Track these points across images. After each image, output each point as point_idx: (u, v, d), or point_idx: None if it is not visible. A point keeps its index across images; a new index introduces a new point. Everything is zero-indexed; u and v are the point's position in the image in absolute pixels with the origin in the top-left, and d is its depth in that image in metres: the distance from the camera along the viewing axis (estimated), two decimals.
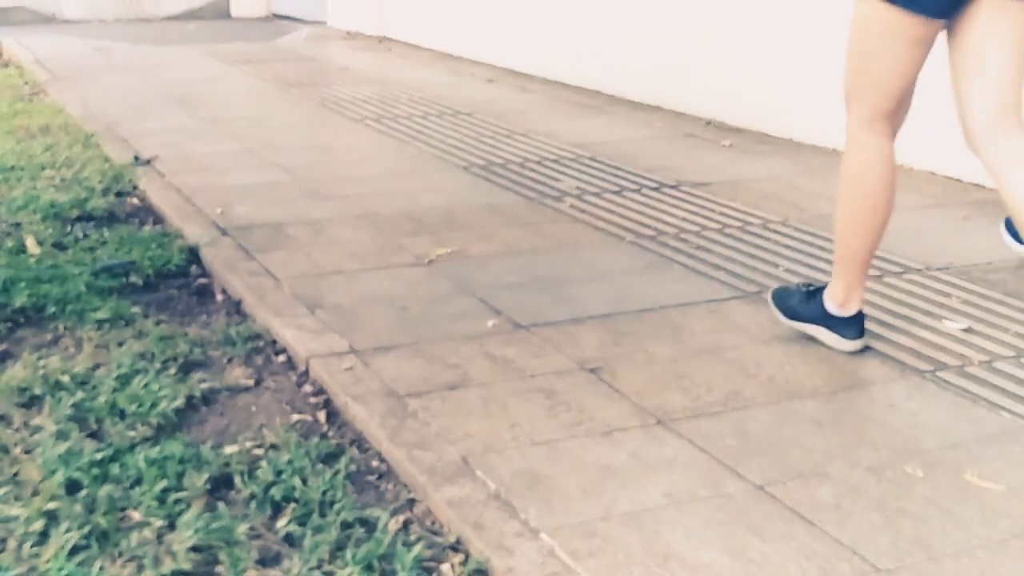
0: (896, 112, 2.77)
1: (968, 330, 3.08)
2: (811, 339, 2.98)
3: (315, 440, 2.48)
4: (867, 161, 2.76)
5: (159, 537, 2.11)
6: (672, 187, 4.58)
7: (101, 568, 2.02)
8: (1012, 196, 2.60)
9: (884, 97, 2.72)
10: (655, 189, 4.54)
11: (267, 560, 2.07)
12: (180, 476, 2.30)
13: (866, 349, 2.93)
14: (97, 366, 2.82)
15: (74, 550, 2.05)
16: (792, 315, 2.99)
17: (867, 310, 3.15)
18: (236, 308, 3.32)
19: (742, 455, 2.38)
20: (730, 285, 3.42)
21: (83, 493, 2.23)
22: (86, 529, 2.10)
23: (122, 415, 2.55)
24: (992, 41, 2.55)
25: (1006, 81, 2.57)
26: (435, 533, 2.16)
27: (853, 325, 2.89)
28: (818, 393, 2.69)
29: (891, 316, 3.17)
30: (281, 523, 2.17)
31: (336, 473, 2.32)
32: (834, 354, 2.91)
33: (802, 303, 2.96)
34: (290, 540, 2.13)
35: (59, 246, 3.74)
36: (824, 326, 2.92)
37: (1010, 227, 3.67)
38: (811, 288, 2.98)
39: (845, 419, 2.56)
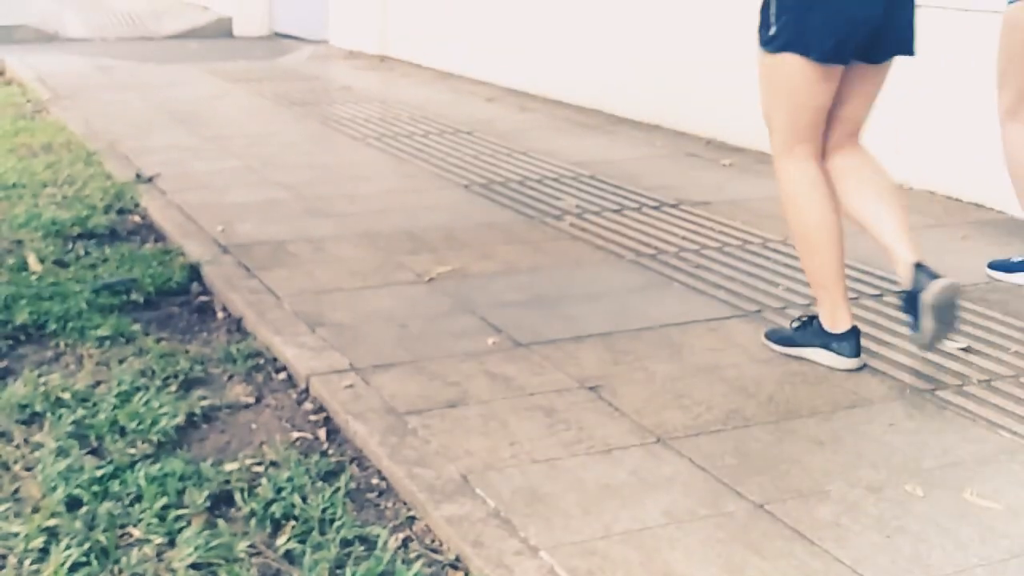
0: (819, 140, 2.98)
1: (967, 349, 3.08)
2: (810, 358, 2.98)
3: (315, 458, 2.48)
4: (810, 183, 2.95)
5: (159, 554, 2.11)
6: (672, 206, 4.59)
7: None
8: (855, 198, 2.96)
9: (813, 129, 2.98)
10: (655, 208, 4.56)
11: None
12: (180, 493, 2.30)
13: (864, 367, 2.93)
14: (98, 383, 2.82)
15: (74, 567, 2.05)
16: (788, 343, 3.04)
17: (867, 329, 3.17)
18: (237, 326, 3.33)
19: (742, 474, 2.38)
20: (730, 304, 3.42)
21: (83, 510, 2.23)
22: (86, 546, 2.10)
23: (123, 432, 2.56)
24: (860, 90, 2.99)
25: (854, 122, 3.03)
26: (435, 551, 2.16)
27: (847, 341, 2.93)
28: (818, 412, 2.69)
29: (891, 335, 3.17)
30: (281, 540, 2.17)
31: (336, 491, 2.32)
32: (834, 373, 2.91)
33: (796, 331, 3.04)
34: (290, 558, 2.13)
35: (61, 263, 3.75)
36: (820, 347, 2.96)
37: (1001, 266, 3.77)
38: (803, 319, 3.03)
39: (845, 438, 2.57)
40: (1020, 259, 3.71)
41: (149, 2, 14.52)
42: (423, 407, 2.67)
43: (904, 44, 2.99)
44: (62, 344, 3.11)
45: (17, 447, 2.50)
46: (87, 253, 3.87)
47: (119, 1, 14.82)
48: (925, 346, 2.84)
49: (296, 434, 2.63)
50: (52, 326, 3.18)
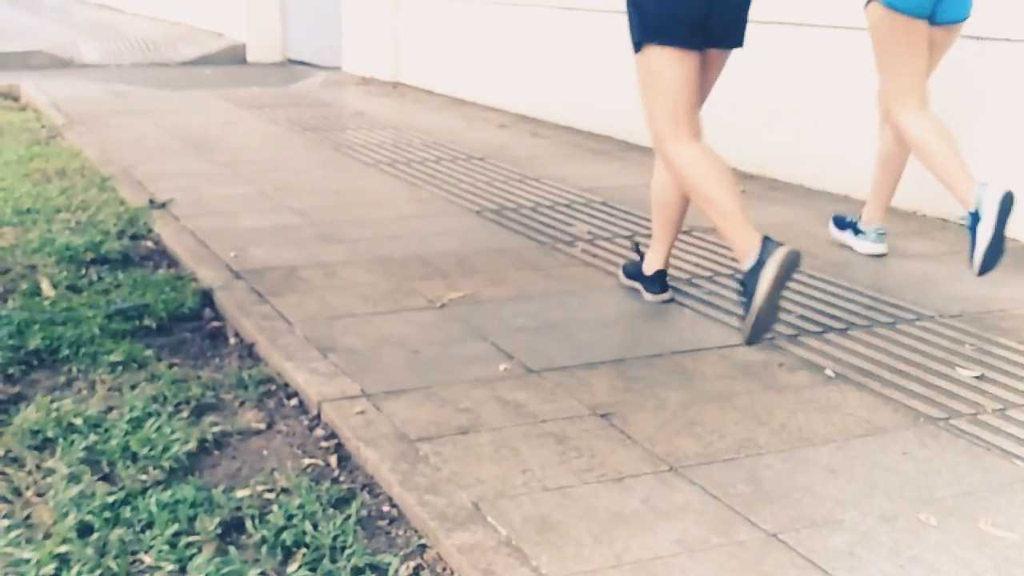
0: (695, 121, 3.45)
1: (981, 378, 3.07)
2: (823, 386, 2.98)
3: (326, 484, 2.48)
4: (706, 159, 3.37)
5: None
6: (684, 232, 4.59)
7: None
8: (660, 182, 3.62)
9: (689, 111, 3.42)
10: None
11: None
12: (192, 520, 2.30)
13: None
14: (110, 409, 2.83)
15: None
16: (627, 275, 3.79)
17: (880, 357, 3.17)
18: (249, 351, 3.33)
19: (754, 502, 2.37)
20: (742, 331, 3.41)
21: (95, 536, 2.23)
22: (97, 573, 2.10)
23: (134, 458, 2.56)
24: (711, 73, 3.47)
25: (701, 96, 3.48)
26: None
27: (660, 282, 3.66)
28: (831, 440, 2.68)
29: (904, 364, 3.16)
30: (292, 568, 2.16)
31: (347, 518, 2.32)
32: (847, 401, 2.90)
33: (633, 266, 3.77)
34: None
35: (74, 289, 3.76)
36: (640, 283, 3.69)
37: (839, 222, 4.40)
38: (746, 274, 3.20)
39: (858, 467, 2.55)
40: (853, 219, 4.33)
41: (164, 29, 14.65)
42: (435, 434, 2.67)
43: (736, 37, 3.46)
44: (74, 370, 3.11)
45: (29, 473, 2.51)
46: (100, 278, 3.88)
47: (134, 27, 14.95)
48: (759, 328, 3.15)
49: (307, 460, 2.63)
50: (65, 351, 3.19)
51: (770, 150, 5.68)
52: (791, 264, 3.10)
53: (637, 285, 3.75)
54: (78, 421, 2.72)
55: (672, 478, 2.47)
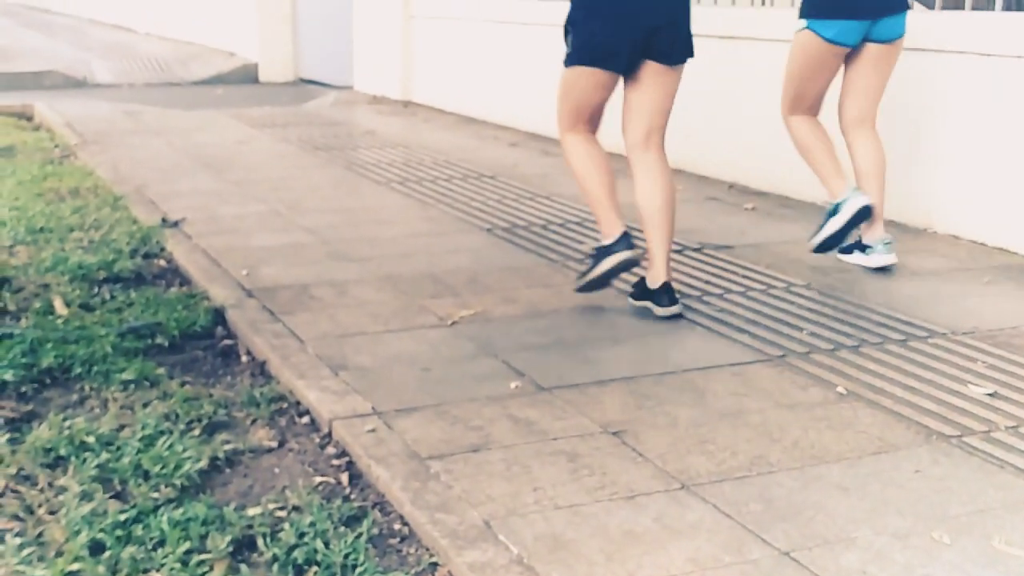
0: (595, 121, 3.86)
1: (994, 395, 3.05)
2: (835, 404, 2.97)
3: (338, 502, 2.48)
4: (589, 152, 3.83)
5: None
6: (695, 250, 4.59)
7: None
8: (638, 197, 3.82)
9: (590, 115, 3.84)
10: (678, 252, 4.55)
11: None
12: (203, 538, 2.30)
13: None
14: (122, 427, 2.83)
15: None
16: (635, 297, 3.87)
17: (894, 375, 3.17)
18: (260, 369, 3.34)
19: (767, 520, 2.36)
20: (753, 348, 3.41)
21: (107, 554, 2.23)
22: None
23: (146, 476, 2.56)
24: (649, 89, 3.76)
25: (648, 116, 3.78)
26: None
27: (621, 243, 3.75)
28: (843, 458, 2.67)
29: (916, 381, 3.15)
30: None
31: (358, 536, 2.32)
32: (859, 419, 2.89)
33: (595, 254, 3.86)
34: None
35: (86, 307, 3.78)
36: (607, 256, 3.77)
37: (843, 250, 4.44)
38: (599, 248, 3.79)
39: (870, 484, 2.54)
40: (853, 242, 4.42)
41: (176, 48, 14.73)
42: (445, 452, 2.67)
43: (686, 48, 3.76)
44: (87, 388, 3.12)
45: (41, 491, 2.51)
46: (113, 297, 3.90)
47: (146, 47, 15.04)
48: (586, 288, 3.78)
49: (319, 479, 2.63)
50: (77, 370, 3.20)
51: (781, 168, 5.67)
52: (629, 263, 3.72)
53: (647, 303, 3.76)
54: (90, 439, 2.73)
55: (684, 496, 2.47)
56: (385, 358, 3.31)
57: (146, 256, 4.45)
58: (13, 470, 2.60)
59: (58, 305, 3.76)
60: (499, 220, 5.13)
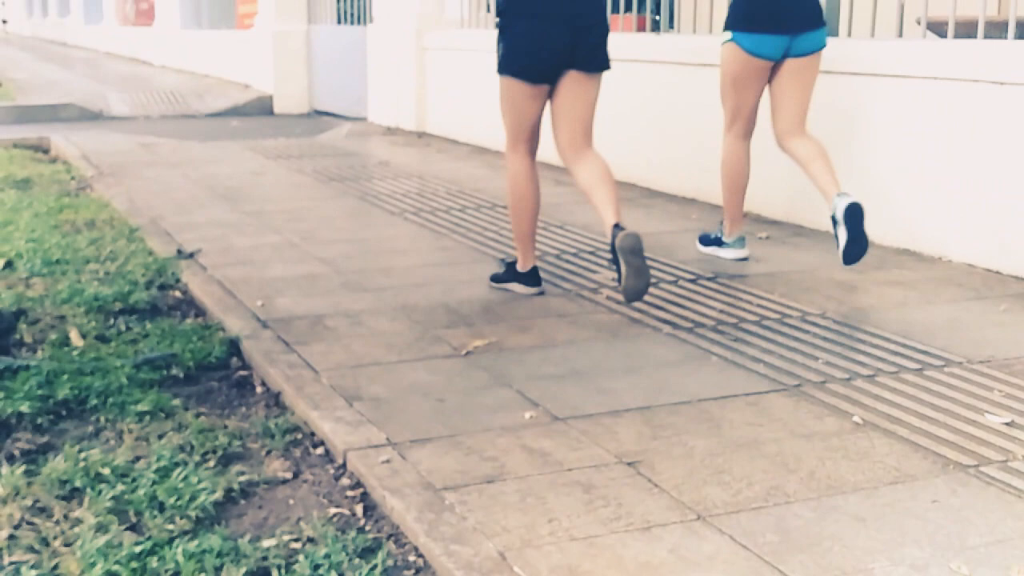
0: (534, 145, 4.28)
1: (1011, 424, 3.04)
2: (851, 433, 2.96)
3: (352, 534, 2.47)
4: (526, 175, 4.27)
5: None
6: (709, 279, 4.59)
7: None
8: (580, 185, 4.19)
9: (530, 129, 4.24)
10: (692, 281, 4.55)
11: None
12: (218, 570, 2.29)
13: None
14: (137, 458, 2.84)
15: None
16: (495, 280, 4.40)
17: (909, 404, 3.15)
18: (275, 400, 3.34)
19: (783, 551, 2.35)
20: (769, 378, 3.40)
21: None
22: None
23: (161, 508, 2.56)
24: (576, 99, 4.11)
25: (579, 123, 4.16)
26: None
27: (532, 277, 4.33)
28: (860, 488, 2.66)
29: (933, 410, 3.14)
30: None
31: (373, 568, 2.31)
32: (876, 449, 2.88)
33: (504, 272, 4.39)
34: None
35: (102, 339, 3.79)
36: (516, 281, 4.33)
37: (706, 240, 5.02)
38: (506, 261, 4.36)
39: (888, 515, 2.53)
40: (717, 235, 4.93)
41: (192, 81, 14.85)
42: (460, 483, 2.66)
43: (604, 58, 4.10)
44: (102, 419, 3.13)
45: (56, 523, 2.51)
46: (128, 328, 3.91)
47: (162, 80, 15.16)
48: (631, 290, 3.88)
49: (333, 510, 2.63)
50: (93, 401, 3.21)
51: (795, 197, 5.68)
52: (636, 241, 3.89)
53: (513, 286, 4.34)
54: (106, 471, 2.73)
55: (700, 527, 2.45)
56: (399, 388, 3.31)
57: (161, 287, 4.47)
58: (29, 502, 2.61)
59: (74, 337, 3.78)
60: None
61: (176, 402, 3.24)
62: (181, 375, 3.48)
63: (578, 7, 4.00)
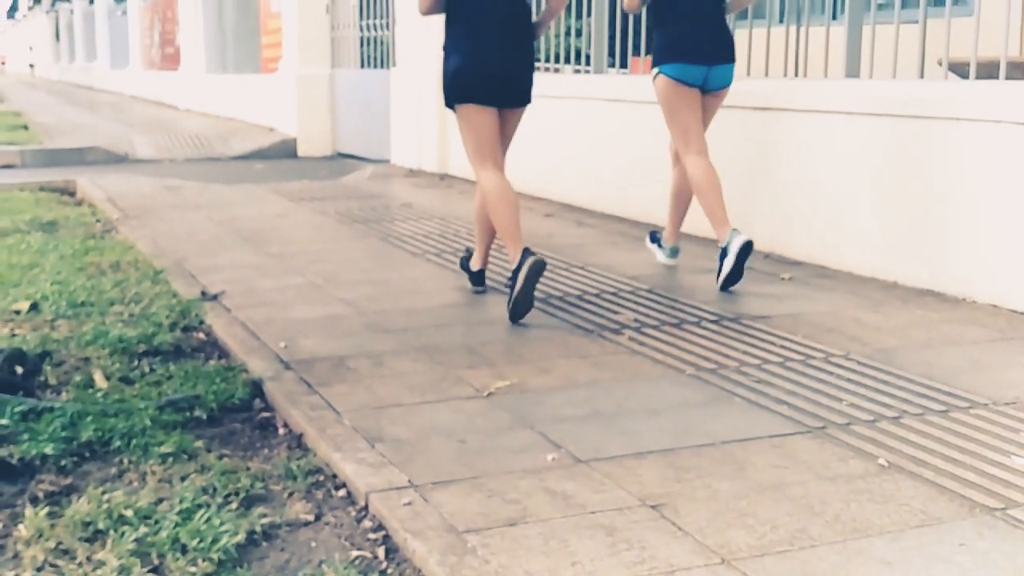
0: (499, 157, 4.78)
1: None
2: (877, 476, 2.93)
3: None
4: (501, 188, 4.66)
5: None
6: (731, 320, 4.58)
7: None
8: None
9: (492, 147, 4.75)
10: (715, 322, 4.54)
11: None
12: None
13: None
14: (160, 500, 2.84)
15: None
16: (462, 266, 5.15)
17: (933, 445, 3.13)
18: (298, 442, 3.35)
19: None
20: (793, 420, 3.38)
21: None
22: None
23: (184, 550, 2.56)
24: (504, 126, 4.77)
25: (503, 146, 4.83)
26: None
27: (479, 277, 5.10)
28: (886, 531, 2.63)
29: (959, 452, 3.11)
30: None
31: None
32: (902, 491, 2.85)
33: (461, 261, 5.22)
34: None
35: (126, 380, 3.81)
36: (468, 275, 5.08)
37: (654, 237, 5.80)
38: (513, 270, 4.53)
39: (914, 559, 2.50)
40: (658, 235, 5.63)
41: (216, 124, 15.00)
42: (482, 525, 2.65)
43: (527, 94, 4.75)
44: (126, 461, 3.14)
45: (79, 565, 2.52)
46: (152, 370, 3.93)
47: (187, 124, 15.31)
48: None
49: (355, 553, 2.62)
50: (116, 443, 3.22)
51: (817, 237, 5.67)
52: (538, 270, 4.41)
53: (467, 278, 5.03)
54: (129, 513, 2.73)
55: (725, 571, 2.43)
56: (421, 430, 3.30)
57: (185, 329, 4.49)
58: (52, 544, 2.61)
59: (98, 378, 3.80)
60: (535, 290, 5.14)
61: (199, 444, 3.25)
62: (204, 417, 3.49)
63: (510, 50, 4.64)
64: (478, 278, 5.12)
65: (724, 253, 5.01)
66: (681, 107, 5.20)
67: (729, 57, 5.22)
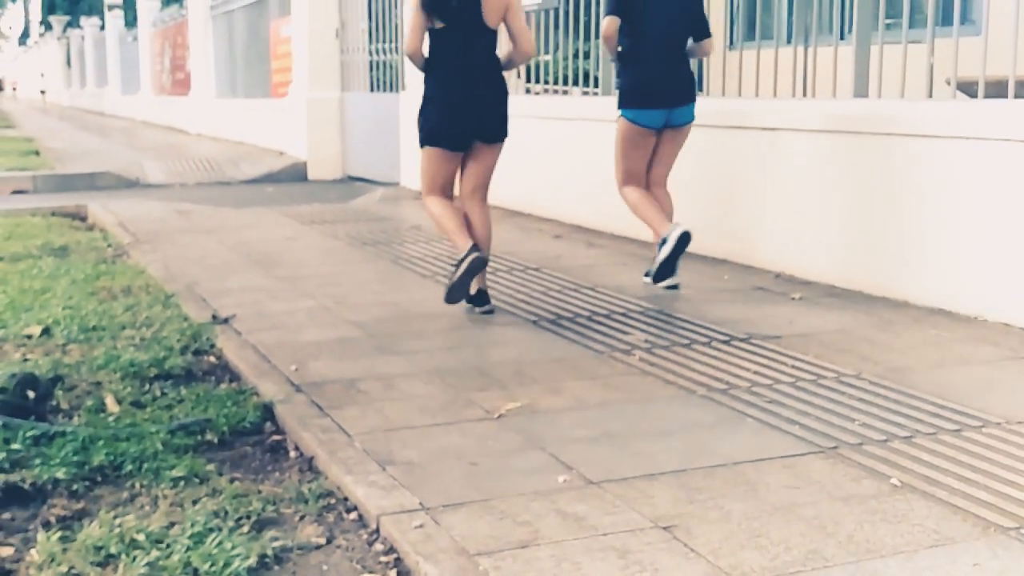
0: (447, 189, 5.25)
1: None
2: (890, 496, 2.92)
3: None
4: (442, 207, 5.21)
5: None
6: (742, 340, 4.57)
7: None
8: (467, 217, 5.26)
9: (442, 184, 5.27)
10: (725, 342, 4.54)
11: None
12: None
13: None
14: (172, 524, 2.84)
15: None
16: (456, 264, 5.07)
17: (947, 465, 3.12)
18: (309, 465, 3.35)
19: None
20: (805, 440, 3.37)
21: None
22: None
23: (195, 574, 2.56)
24: (478, 162, 5.23)
25: (475, 178, 5.25)
26: None
27: (473, 248, 5.02)
28: (899, 551, 2.62)
29: (971, 471, 3.09)
30: None
31: None
32: (915, 511, 2.84)
33: (456, 265, 5.08)
34: None
35: (137, 404, 3.82)
36: (462, 261, 4.98)
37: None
38: (457, 260, 5.03)
39: None
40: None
41: (227, 149, 15.06)
42: (494, 548, 2.65)
43: (499, 133, 5.22)
44: (137, 485, 3.14)
45: None
46: (163, 394, 3.94)
47: (198, 148, 15.38)
48: (450, 295, 5.07)
49: None
50: (128, 467, 3.23)
51: (828, 257, 5.66)
52: (480, 260, 4.95)
53: (462, 265, 5.00)
54: (140, 537, 2.73)
55: None
56: (432, 452, 3.30)
57: (196, 353, 4.50)
58: (64, 568, 2.61)
59: (110, 403, 3.81)
60: (544, 312, 5.15)
61: (210, 467, 3.25)
62: (215, 440, 3.50)
63: (480, 96, 5.12)
64: (473, 248, 5.05)
65: (662, 243, 5.40)
66: (634, 148, 5.61)
67: (690, 98, 5.58)
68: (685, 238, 5.35)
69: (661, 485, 3.02)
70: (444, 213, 5.21)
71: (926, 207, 5.11)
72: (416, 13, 5.07)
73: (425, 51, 5.17)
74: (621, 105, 5.60)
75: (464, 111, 5.09)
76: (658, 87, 5.53)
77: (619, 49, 5.58)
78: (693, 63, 5.74)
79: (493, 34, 5.16)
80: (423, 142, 5.19)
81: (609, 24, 5.49)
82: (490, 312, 5.12)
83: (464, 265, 4.93)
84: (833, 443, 3.33)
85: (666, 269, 5.43)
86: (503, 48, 5.28)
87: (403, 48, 5.32)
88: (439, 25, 5.07)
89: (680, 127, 5.62)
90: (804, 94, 6.24)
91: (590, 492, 2.98)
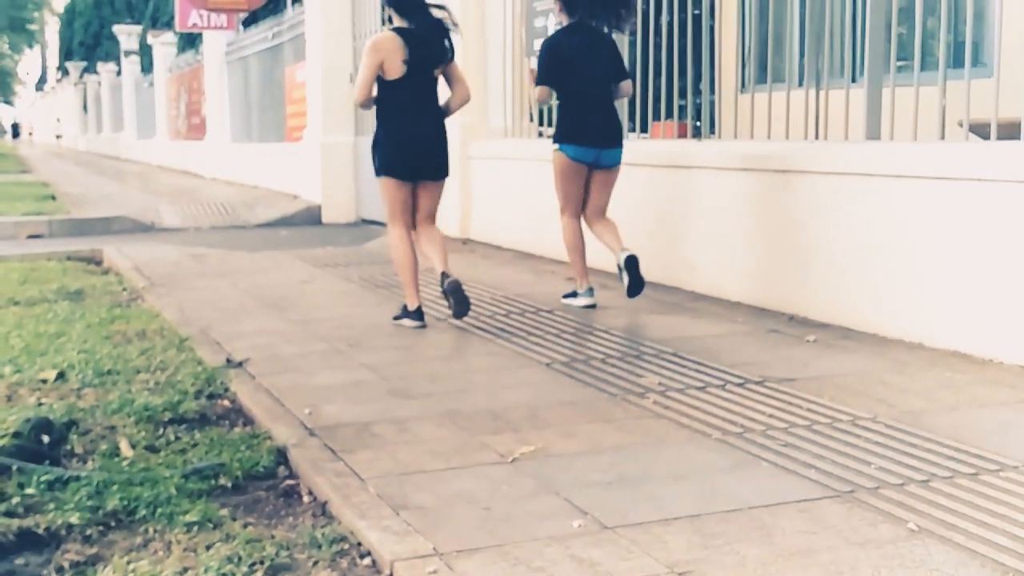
0: (409, 221, 5.98)
1: None
2: (907, 541, 2.90)
3: None
4: (403, 254, 5.95)
5: None
6: (757, 383, 4.55)
7: None
8: (422, 245, 6.03)
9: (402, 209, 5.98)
10: (739, 385, 4.52)
11: None
12: None
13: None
14: (185, 570, 2.83)
15: None
16: (396, 318, 5.96)
17: (965, 510, 3.09)
18: (322, 509, 3.34)
19: None
20: (821, 484, 3.35)
21: None
22: None
23: None
24: (425, 195, 6.00)
25: (425, 209, 6.01)
26: None
27: (418, 314, 5.88)
28: None
29: (989, 516, 3.07)
30: None
31: None
32: (932, 556, 2.81)
33: (401, 312, 5.96)
34: None
35: (152, 448, 3.82)
36: (407, 317, 5.89)
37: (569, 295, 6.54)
38: (404, 308, 5.94)
39: None
40: (574, 290, 6.45)
41: (241, 193, 15.16)
42: None
43: (442, 171, 6.00)
44: (151, 530, 3.13)
45: None
46: (177, 438, 3.94)
47: (213, 192, 15.49)
48: (458, 314, 5.87)
49: None
50: (142, 512, 3.22)
51: (842, 299, 5.65)
52: (455, 284, 5.77)
53: (404, 321, 5.88)
54: None
55: None
56: (446, 497, 3.29)
57: (210, 397, 4.51)
58: None
59: (124, 447, 3.81)
60: (558, 354, 5.14)
61: (224, 512, 3.25)
62: (229, 485, 3.49)
63: (426, 136, 5.88)
64: (418, 314, 5.92)
65: (620, 270, 6.20)
66: (570, 179, 6.32)
67: (617, 142, 6.32)
68: (632, 261, 6.11)
69: (676, 530, 3.00)
70: (403, 263, 5.93)
71: (939, 249, 5.10)
72: (371, 71, 5.75)
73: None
74: (558, 139, 6.31)
75: (414, 150, 5.88)
76: (591, 129, 6.23)
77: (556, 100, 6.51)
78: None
79: (436, 82, 5.95)
80: (379, 172, 5.91)
81: (540, 93, 6.38)
82: (457, 285, 5.83)
83: (449, 295, 5.77)
84: (849, 487, 3.31)
85: (634, 287, 6.13)
86: (443, 95, 5.98)
87: (354, 98, 5.99)
88: (395, 77, 5.76)
89: (609, 169, 6.33)
90: (816, 136, 6.26)
91: (604, 537, 2.96)
